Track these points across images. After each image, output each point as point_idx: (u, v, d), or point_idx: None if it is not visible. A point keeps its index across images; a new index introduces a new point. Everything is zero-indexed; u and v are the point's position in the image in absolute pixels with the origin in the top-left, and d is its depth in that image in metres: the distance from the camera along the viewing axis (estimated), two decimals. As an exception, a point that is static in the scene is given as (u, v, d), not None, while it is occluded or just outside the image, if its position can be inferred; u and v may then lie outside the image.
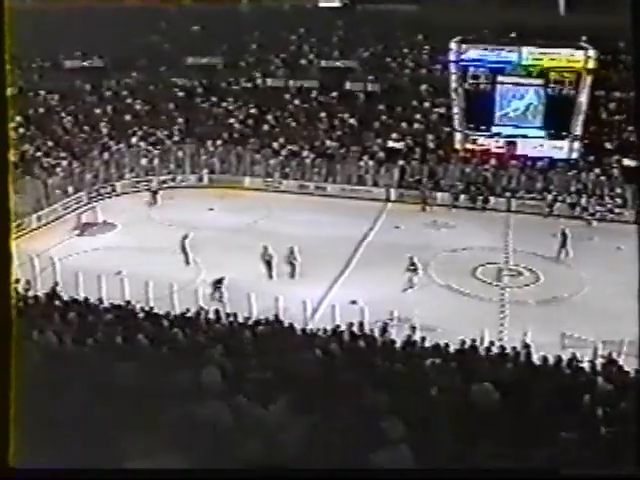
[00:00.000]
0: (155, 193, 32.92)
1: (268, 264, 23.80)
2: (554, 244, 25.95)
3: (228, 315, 16.61)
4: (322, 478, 5.32)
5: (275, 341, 13.99)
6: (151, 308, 17.04)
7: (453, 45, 33.64)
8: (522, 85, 33.15)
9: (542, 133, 33.36)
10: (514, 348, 14.73)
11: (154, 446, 6.04)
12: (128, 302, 17.12)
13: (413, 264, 22.66)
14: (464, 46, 33.55)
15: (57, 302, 16.98)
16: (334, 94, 38.55)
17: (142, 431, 6.35)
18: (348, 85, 38.77)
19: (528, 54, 32.70)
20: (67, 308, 15.61)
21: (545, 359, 13.51)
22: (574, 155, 32.93)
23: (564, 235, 25.55)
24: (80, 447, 5.78)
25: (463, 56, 33.57)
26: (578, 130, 32.60)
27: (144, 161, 35.32)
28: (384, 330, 17.05)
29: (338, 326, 16.01)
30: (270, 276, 23.71)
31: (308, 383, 9.65)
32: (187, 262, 24.69)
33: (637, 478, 5.43)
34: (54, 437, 5.97)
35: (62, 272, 21.23)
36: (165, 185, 34.94)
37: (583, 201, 30.75)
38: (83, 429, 6.24)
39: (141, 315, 15.76)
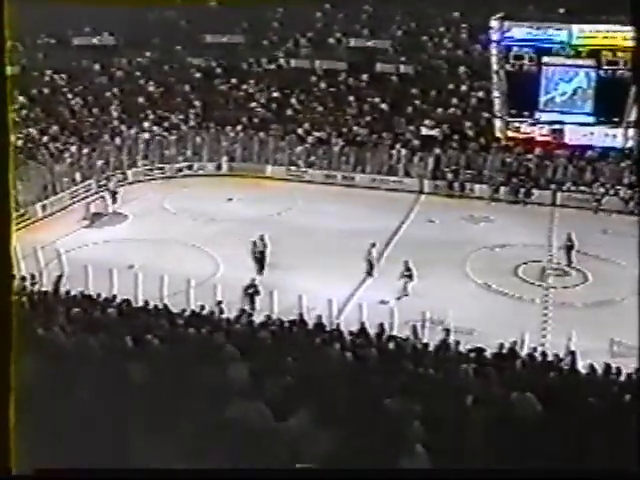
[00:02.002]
0: (115, 194, 31.35)
1: (261, 256, 23.60)
2: (604, 241, 25.68)
3: (247, 313, 16.72)
4: (328, 478, 5.40)
5: (297, 343, 14.02)
6: (165, 305, 17.16)
7: (494, 23, 33.31)
8: (571, 66, 32.76)
9: (592, 119, 32.96)
10: (558, 355, 14.63)
11: (159, 448, 6.13)
12: (146, 302, 17.22)
13: (409, 269, 22.27)
14: (507, 24, 33.20)
15: (63, 297, 17.16)
16: (364, 76, 38.47)
17: (148, 432, 6.45)
18: (379, 67, 38.65)
19: (578, 32, 32.22)
20: (74, 304, 15.76)
21: (592, 368, 13.38)
22: (628, 144, 32.48)
23: (570, 241, 24.79)
24: (82, 447, 5.89)
25: (505, 35, 33.24)
26: (633, 116, 32.15)
27: (158, 147, 35.55)
28: (415, 332, 17.00)
29: (365, 327, 16.02)
30: (260, 271, 23.33)
31: (331, 389, 9.67)
32: (261, 272, 23.51)
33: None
34: (55, 437, 6.08)
35: (69, 266, 21.46)
36: (181, 173, 35.20)
37: (638, 195, 30.37)
38: (85, 429, 6.36)
39: (154, 313, 15.88)
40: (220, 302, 17.92)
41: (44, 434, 5.90)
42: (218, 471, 5.47)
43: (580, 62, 32.49)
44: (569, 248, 24.75)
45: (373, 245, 23.74)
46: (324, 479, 5.40)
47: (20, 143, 32.81)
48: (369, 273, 23.55)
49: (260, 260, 23.63)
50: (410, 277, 22.24)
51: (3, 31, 4.50)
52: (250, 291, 20.67)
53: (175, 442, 6.43)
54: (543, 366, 13.87)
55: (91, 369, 8.47)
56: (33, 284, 19.34)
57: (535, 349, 15.37)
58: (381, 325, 16.24)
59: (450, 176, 33.16)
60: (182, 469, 5.68)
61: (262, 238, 23.83)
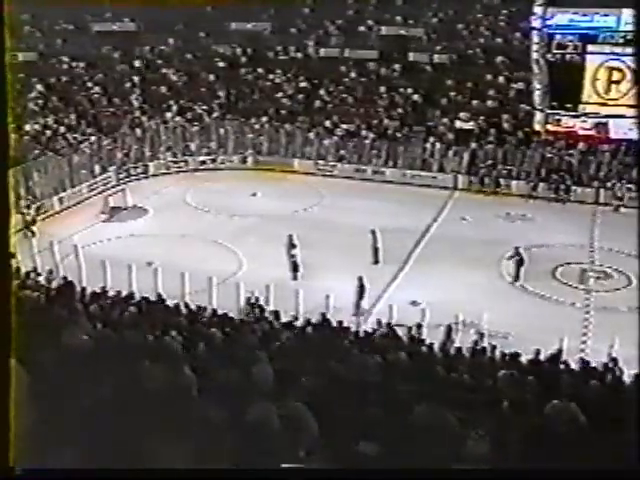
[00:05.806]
0: (33, 222, 27.05)
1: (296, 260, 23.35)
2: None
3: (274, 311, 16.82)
4: (324, 478, 5.38)
5: (322, 345, 13.97)
6: (186, 304, 17.23)
7: (537, 8, 32.85)
8: (618, 55, 32.20)
9: (640, 113, 32.50)
10: (600, 362, 14.46)
11: (167, 449, 6.16)
12: (160, 296, 17.31)
13: (362, 285, 20.83)
14: (550, 9, 32.66)
15: (76, 294, 17.25)
16: (396, 66, 38.34)
17: (155, 433, 6.49)
18: (412, 56, 38.51)
19: (629, 17, 31.56)
20: (90, 301, 15.84)
21: (637, 377, 13.17)
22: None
23: (519, 255, 23.60)
24: (83, 447, 5.93)
25: (548, 22, 32.77)
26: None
27: (181, 139, 35.73)
28: (448, 336, 16.91)
29: (395, 330, 15.96)
30: (295, 277, 23.23)
31: (358, 395, 9.61)
32: (295, 278, 23.32)
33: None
34: (56, 437, 6.11)
35: (87, 261, 21.60)
36: (204, 166, 35.34)
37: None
38: (87, 429, 6.41)
39: (174, 311, 15.93)
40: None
41: (53, 433, 5.94)
42: (218, 471, 5.48)
43: (629, 50, 31.80)
44: (518, 263, 23.52)
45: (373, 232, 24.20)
46: (328, 479, 5.40)
47: (37, 133, 33.19)
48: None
49: (296, 265, 23.44)
50: (362, 292, 20.85)
51: (3, 33, 4.38)
52: (254, 304, 19.33)
53: (190, 444, 6.46)
54: (584, 374, 13.69)
55: (105, 368, 8.51)
56: (50, 280, 19.49)
57: (575, 356, 15.23)
58: (419, 329, 16.21)
59: (486, 172, 32.96)
60: (182, 469, 5.69)
61: (294, 245, 23.55)
